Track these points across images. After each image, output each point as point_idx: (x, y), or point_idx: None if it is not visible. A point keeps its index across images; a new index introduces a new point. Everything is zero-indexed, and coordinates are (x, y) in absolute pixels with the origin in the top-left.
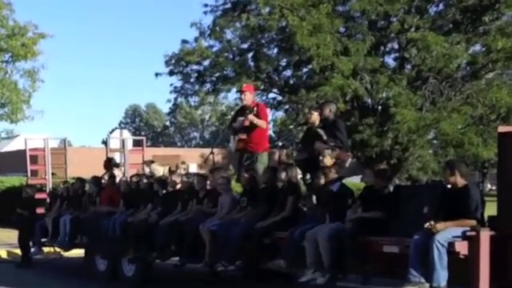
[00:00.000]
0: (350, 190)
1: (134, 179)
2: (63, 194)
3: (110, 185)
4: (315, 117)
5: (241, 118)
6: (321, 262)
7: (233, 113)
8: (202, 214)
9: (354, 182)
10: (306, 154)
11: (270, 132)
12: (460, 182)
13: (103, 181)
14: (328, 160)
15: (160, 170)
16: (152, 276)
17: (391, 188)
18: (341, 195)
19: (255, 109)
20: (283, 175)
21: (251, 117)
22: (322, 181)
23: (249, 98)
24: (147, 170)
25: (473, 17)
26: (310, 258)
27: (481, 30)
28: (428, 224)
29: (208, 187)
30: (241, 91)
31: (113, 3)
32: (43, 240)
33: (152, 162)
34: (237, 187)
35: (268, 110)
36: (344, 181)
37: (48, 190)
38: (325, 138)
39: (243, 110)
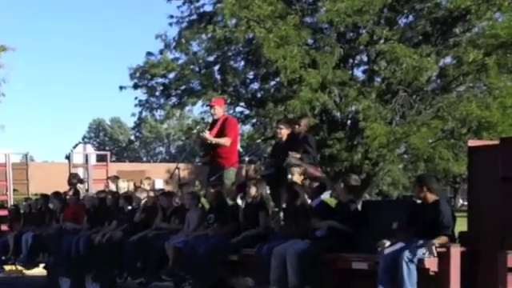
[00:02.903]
0: (330, 207)
1: (100, 195)
2: (25, 210)
3: (74, 201)
4: (283, 132)
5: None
6: (286, 279)
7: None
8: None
9: (326, 197)
10: (272, 168)
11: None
12: (430, 197)
13: (67, 197)
14: (297, 177)
15: (124, 187)
16: None
17: (359, 204)
18: (319, 212)
19: (207, 131)
20: (253, 191)
21: (206, 135)
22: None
23: (218, 112)
24: (113, 186)
25: (443, 28)
26: (273, 274)
27: (451, 41)
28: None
29: (176, 204)
30: (210, 105)
31: (75, 16)
32: (4, 258)
33: (117, 177)
34: (206, 203)
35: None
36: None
37: (9, 207)
38: (298, 155)
39: (213, 124)
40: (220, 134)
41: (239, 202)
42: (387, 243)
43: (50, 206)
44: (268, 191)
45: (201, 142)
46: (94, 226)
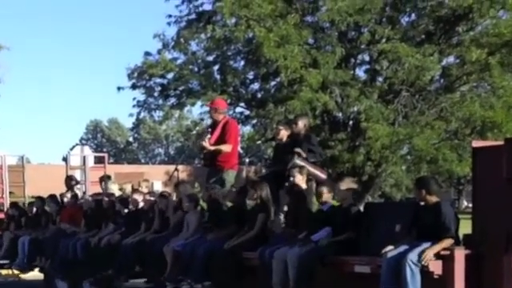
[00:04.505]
0: (337, 212)
1: (96, 197)
2: (14, 215)
3: (72, 204)
4: (283, 133)
5: (208, 136)
6: (287, 282)
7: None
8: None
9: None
10: (271, 169)
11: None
12: (430, 199)
13: (65, 199)
14: (300, 179)
15: (114, 189)
16: None
17: (361, 206)
18: (331, 216)
19: (208, 135)
20: (252, 193)
21: (205, 145)
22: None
23: (218, 115)
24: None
25: (446, 27)
26: (275, 277)
27: (454, 40)
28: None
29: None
30: (209, 107)
31: (72, 15)
32: (1, 262)
33: (109, 177)
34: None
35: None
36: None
37: (5, 210)
38: (304, 155)
39: (214, 127)
40: (220, 139)
41: (249, 202)
42: (390, 249)
43: (47, 208)
44: (269, 193)
45: (201, 146)
46: (91, 229)
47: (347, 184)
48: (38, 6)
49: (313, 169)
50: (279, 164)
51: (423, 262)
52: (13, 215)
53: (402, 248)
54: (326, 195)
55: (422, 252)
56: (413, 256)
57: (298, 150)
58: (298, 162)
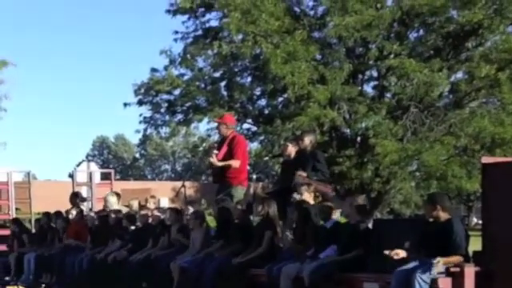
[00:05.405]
0: (345, 228)
1: (101, 214)
2: (15, 231)
3: (78, 220)
4: (290, 149)
5: (216, 152)
6: None
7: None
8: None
9: (340, 217)
10: (278, 186)
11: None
12: (443, 216)
13: (71, 216)
14: (307, 195)
15: (112, 202)
16: None
17: (370, 223)
18: (334, 233)
19: (215, 151)
20: (260, 209)
21: (213, 161)
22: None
23: (226, 130)
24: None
25: (455, 43)
26: None
27: (463, 56)
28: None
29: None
30: (217, 122)
31: (78, 32)
32: (6, 279)
33: (117, 194)
34: (212, 222)
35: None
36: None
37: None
38: (305, 174)
39: (221, 143)
40: (228, 155)
41: (255, 219)
42: (397, 252)
43: (53, 225)
44: (276, 210)
45: (209, 163)
46: (97, 246)
47: (353, 201)
48: (44, 22)
49: (317, 185)
50: (286, 181)
51: (434, 267)
52: (14, 231)
53: (412, 264)
54: (334, 212)
55: (432, 268)
56: (422, 273)
57: (299, 172)
58: (301, 179)
